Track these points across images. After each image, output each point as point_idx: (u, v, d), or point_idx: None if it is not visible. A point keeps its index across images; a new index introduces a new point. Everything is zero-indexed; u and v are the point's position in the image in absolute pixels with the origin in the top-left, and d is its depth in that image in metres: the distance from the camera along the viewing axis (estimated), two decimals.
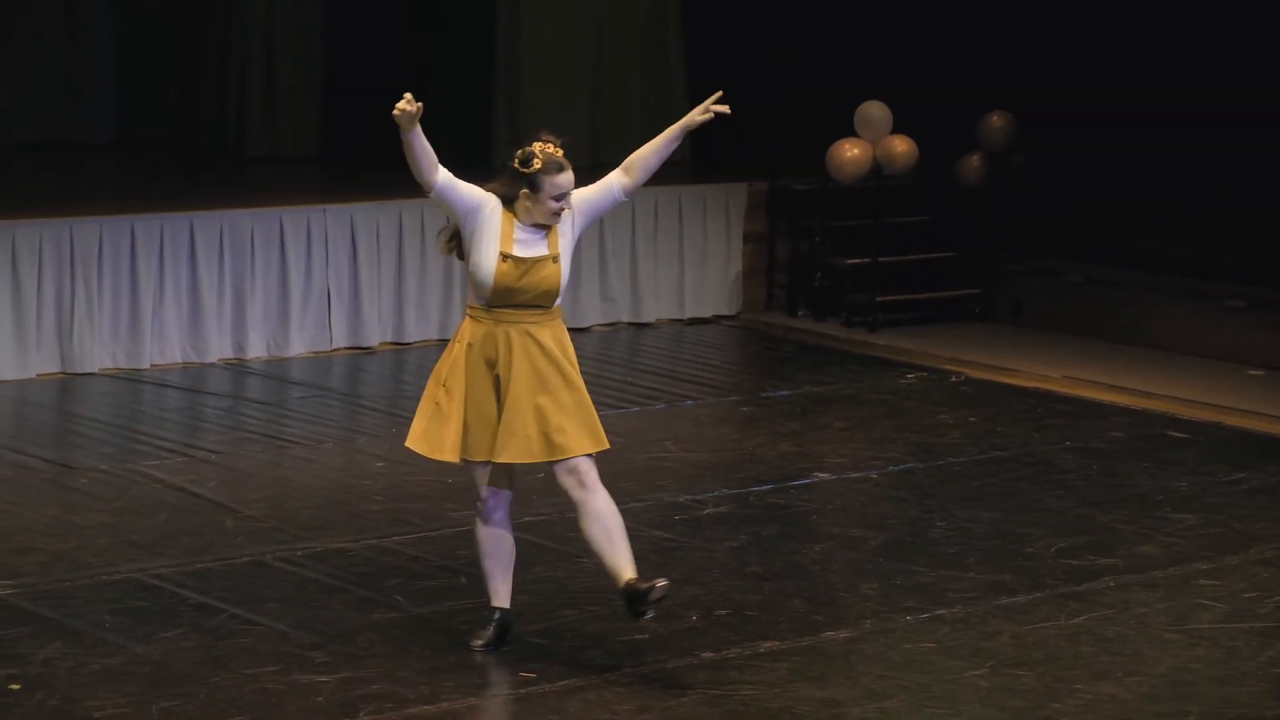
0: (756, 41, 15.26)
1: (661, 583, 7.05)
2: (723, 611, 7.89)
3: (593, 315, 13.68)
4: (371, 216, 12.84)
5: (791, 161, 14.14)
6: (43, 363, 11.78)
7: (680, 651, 7.45)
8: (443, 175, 7.24)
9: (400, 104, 7.13)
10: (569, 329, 14.03)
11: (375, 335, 12.87)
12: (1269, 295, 12.90)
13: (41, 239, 11.74)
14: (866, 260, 13.96)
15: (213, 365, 12.22)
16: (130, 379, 11.83)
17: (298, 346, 12.58)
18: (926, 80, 14.53)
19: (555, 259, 7.21)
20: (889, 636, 7.69)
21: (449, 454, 7.26)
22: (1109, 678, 7.27)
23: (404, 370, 12.40)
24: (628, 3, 15.37)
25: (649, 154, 7.36)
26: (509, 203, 7.23)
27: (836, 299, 14.06)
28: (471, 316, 7.26)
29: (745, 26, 15.29)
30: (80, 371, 11.81)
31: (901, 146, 13.96)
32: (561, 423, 7.22)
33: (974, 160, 14.35)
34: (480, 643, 7.41)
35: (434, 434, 7.26)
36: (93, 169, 14.79)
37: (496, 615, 7.45)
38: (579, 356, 12.31)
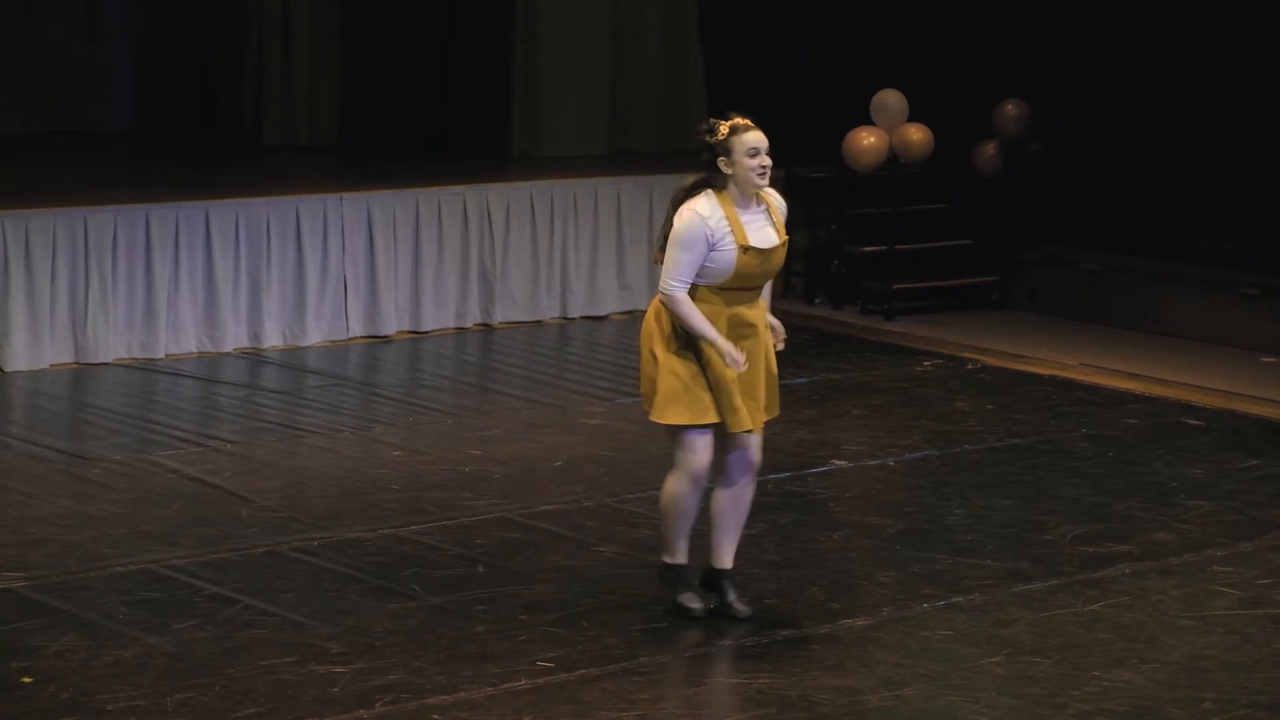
0: (774, 28, 15.24)
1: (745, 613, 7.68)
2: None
3: (610, 303, 13.67)
4: (389, 205, 12.84)
5: (808, 149, 14.12)
6: (57, 352, 11.77)
7: (697, 640, 7.45)
8: (684, 291, 7.38)
9: (736, 361, 7.34)
10: (587, 317, 14.10)
11: (392, 324, 12.87)
12: None
13: (56, 228, 11.74)
14: (883, 248, 13.95)
15: (228, 355, 12.22)
16: (145, 369, 11.84)
17: (314, 335, 12.58)
18: (943, 68, 14.51)
19: (784, 244, 7.51)
20: (906, 624, 7.68)
21: (713, 416, 7.40)
22: (1125, 664, 7.26)
23: (421, 359, 12.40)
24: None
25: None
26: (719, 188, 7.40)
27: (853, 286, 14.05)
28: (699, 299, 7.38)
29: (763, 12, 15.27)
30: (94, 361, 11.81)
31: (918, 135, 13.94)
32: (771, 391, 7.64)
33: (990, 148, 14.33)
34: (699, 606, 7.61)
35: (691, 402, 7.39)
36: (109, 157, 14.80)
37: (692, 572, 7.68)
38: (598, 345, 12.34)
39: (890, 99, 14.03)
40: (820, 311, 13.95)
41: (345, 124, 15.39)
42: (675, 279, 7.34)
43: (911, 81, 14.14)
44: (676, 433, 7.47)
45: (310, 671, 7.04)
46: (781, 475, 9.79)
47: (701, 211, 7.36)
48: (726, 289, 7.40)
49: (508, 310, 13.30)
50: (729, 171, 7.37)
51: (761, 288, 7.54)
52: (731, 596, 7.68)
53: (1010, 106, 14.28)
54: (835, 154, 13.90)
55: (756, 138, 7.36)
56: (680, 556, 7.68)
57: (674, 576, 7.69)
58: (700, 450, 7.45)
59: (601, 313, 13.62)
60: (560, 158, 14.69)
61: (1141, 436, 10.74)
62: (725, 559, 7.70)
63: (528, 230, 13.35)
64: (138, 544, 8.47)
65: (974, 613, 7.81)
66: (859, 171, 13.92)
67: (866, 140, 13.84)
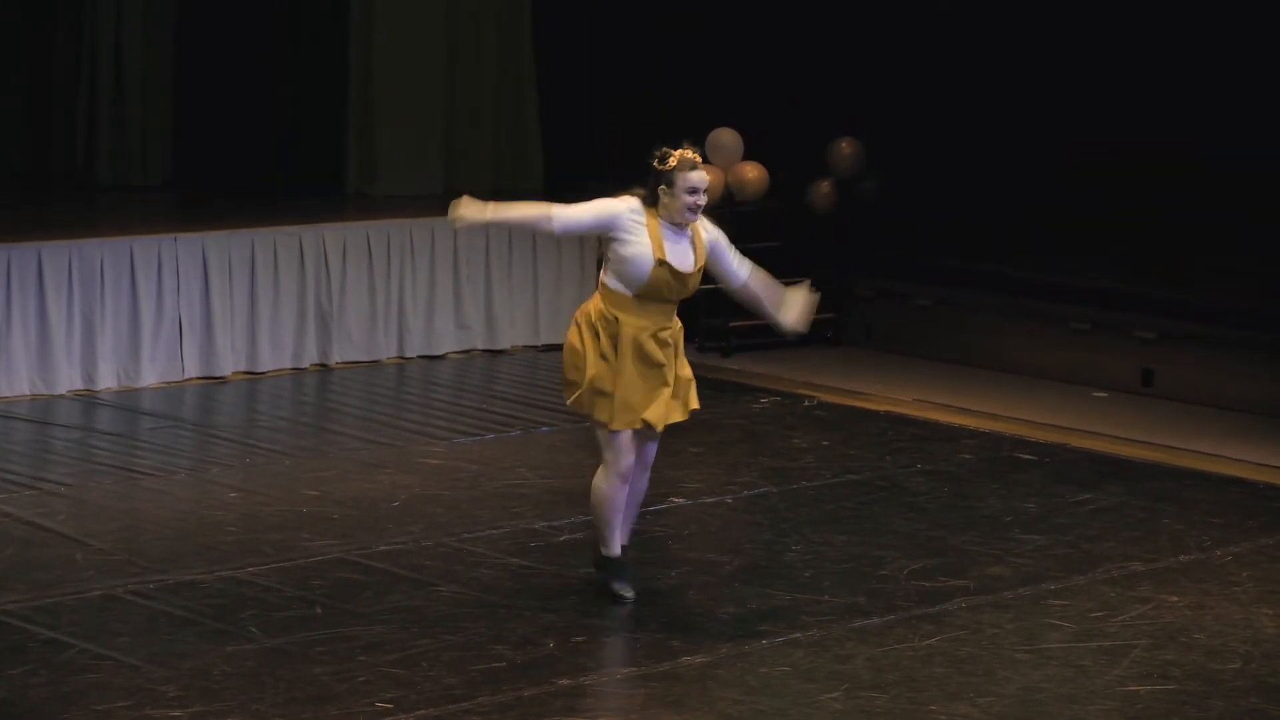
0: (609, 67, 15.30)
1: (627, 594, 8.31)
2: (580, 638, 7.89)
3: (448, 343, 13.66)
4: (224, 245, 12.75)
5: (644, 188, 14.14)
6: None
7: (537, 679, 7.45)
8: (558, 222, 8.02)
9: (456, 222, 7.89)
10: (425, 357, 14.03)
11: (228, 365, 12.78)
12: (1112, 318, 13.10)
13: None
14: (719, 285, 14.00)
15: (62, 396, 12.09)
16: None
17: (149, 377, 12.46)
18: (777, 107, 14.63)
19: (700, 271, 8.14)
20: (745, 660, 7.72)
21: (644, 418, 8.05)
22: (962, 698, 7.34)
23: (258, 400, 12.32)
24: (480, 32, 15.38)
25: (761, 288, 8.47)
26: (651, 202, 8.03)
27: (690, 324, 14.06)
28: (615, 303, 8.03)
29: (598, 53, 15.33)
30: None
31: (753, 173, 14.05)
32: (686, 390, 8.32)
33: (824, 186, 14.47)
34: (630, 594, 8.27)
35: (622, 407, 8.03)
36: None
37: (624, 562, 8.30)
38: (435, 384, 12.17)
39: (725, 137, 14.14)
40: None
41: (179, 163, 15.28)
42: (566, 208, 7.96)
43: (746, 120, 14.25)
44: (606, 434, 8.10)
45: (146, 716, 6.97)
46: None
47: (631, 205, 8.01)
48: (641, 297, 8.00)
49: (345, 350, 13.25)
50: (666, 200, 8.00)
51: (676, 305, 8.13)
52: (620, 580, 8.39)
53: (844, 144, 14.43)
54: None
55: (699, 178, 8.00)
56: (614, 549, 8.30)
57: (611, 567, 8.32)
58: (627, 451, 8.11)
59: (439, 352, 13.60)
60: (396, 197, 14.67)
61: (975, 471, 10.87)
62: (618, 545, 8.37)
63: (364, 270, 13.32)
64: None
65: (812, 648, 7.87)
66: None
67: None
